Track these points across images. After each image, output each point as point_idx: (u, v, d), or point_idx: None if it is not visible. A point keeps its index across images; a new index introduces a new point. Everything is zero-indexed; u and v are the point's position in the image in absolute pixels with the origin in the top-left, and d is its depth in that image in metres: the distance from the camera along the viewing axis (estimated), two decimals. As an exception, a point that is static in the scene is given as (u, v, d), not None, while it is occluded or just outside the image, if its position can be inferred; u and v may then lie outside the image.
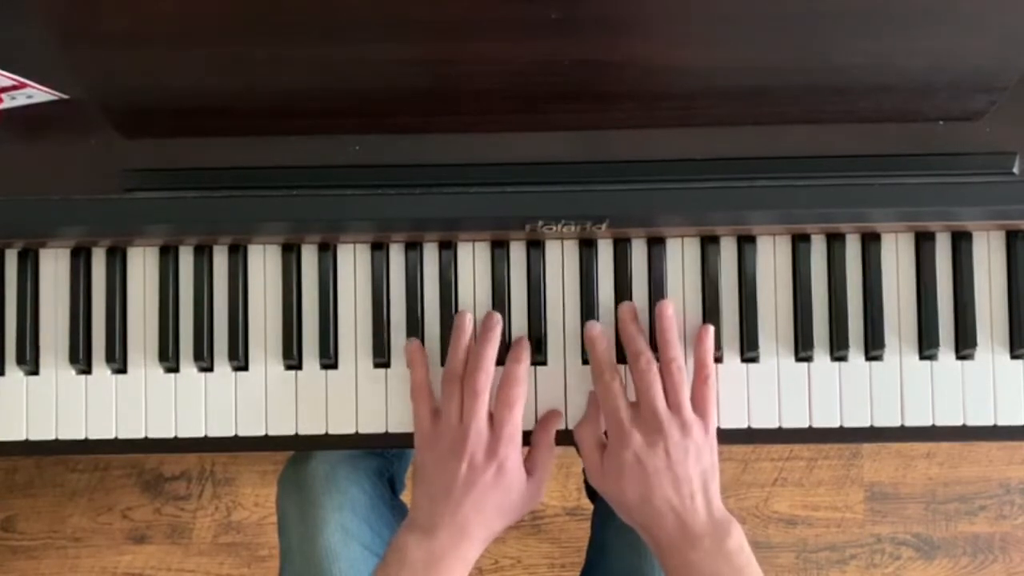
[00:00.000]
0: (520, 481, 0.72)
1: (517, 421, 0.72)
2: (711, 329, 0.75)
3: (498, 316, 0.75)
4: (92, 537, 1.42)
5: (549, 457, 0.75)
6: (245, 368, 0.78)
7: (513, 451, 0.72)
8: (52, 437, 0.78)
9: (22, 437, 0.78)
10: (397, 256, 0.78)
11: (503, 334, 0.76)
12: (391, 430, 0.77)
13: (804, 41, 0.65)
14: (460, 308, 0.77)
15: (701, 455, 0.70)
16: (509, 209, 0.70)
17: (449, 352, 0.75)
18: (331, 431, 0.77)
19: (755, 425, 0.77)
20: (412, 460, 0.74)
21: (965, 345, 0.76)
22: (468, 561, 0.71)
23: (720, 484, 0.71)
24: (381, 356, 0.77)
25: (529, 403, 0.77)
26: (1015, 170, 0.69)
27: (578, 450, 0.75)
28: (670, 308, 0.74)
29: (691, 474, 0.69)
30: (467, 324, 0.75)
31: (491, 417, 0.72)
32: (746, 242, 0.77)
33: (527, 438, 0.75)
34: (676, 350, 0.73)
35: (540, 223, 0.71)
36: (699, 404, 0.71)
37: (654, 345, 0.74)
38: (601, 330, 0.75)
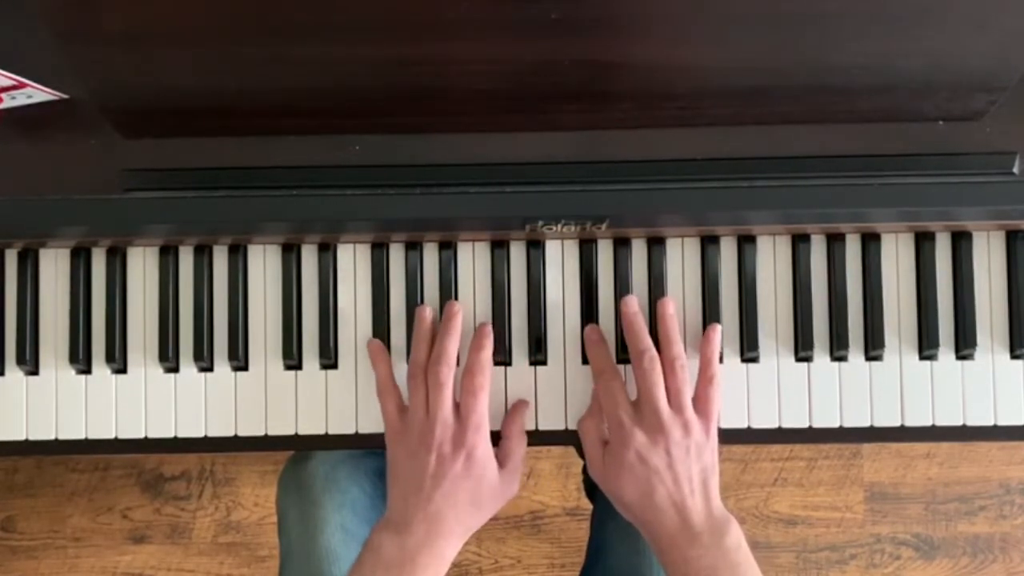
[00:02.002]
0: (491, 470, 0.72)
1: (483, 409, 0.72)
2: (719, 329, 0.75)
3: (458, 306, 0.75)
4: (92, 537, 1.42)
5: (520, 447, 0.75)
6: (245, 368, 0.78)
7: (481, 439, 0.71)
8: (52, 437, 0.78)
9: (22, 437, 0.78)
10: (397, 256, 0.78)
11: (505, 335, 0.76)
12: (391, 430, 0.77)
13: (804, 41, 0.65)
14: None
15: (702, 454, 0.70)
16: (509, 209, 0.70)
17: (411, 346, 0.75)
18: (331, 431, 0.77)
19: (755, 425, 0.77)
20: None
21: (965, 345, 0.76)
22: (444, 558, 0.70)
23: (720, 484, 0.71)
24: (381, 356, 0.77)
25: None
26: (1015, 170, 0.69)
27: (577, 449, 0.75)
28: (671, 306, 0.74)
29: (691, 472, 0.69)
30: (427, 317, 0.75)
31: (458, 408, 0.72)
32: (746, 242, 0.77)
33: (496, 439, 0.75)
34: (679, 347, 0.73)
35: (540, 223, 0.71)
36: (702, 404, 0.71)
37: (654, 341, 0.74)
38: (600, 334, 0.75)
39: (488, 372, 0.73)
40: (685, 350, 0.73)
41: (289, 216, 0.71)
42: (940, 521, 1.41)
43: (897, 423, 0.76)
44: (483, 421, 0.72)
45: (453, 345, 0.73)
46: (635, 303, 0.75)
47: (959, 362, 0.76)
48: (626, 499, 0.71)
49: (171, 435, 0.78)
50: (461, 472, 0.70)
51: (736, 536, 0.68)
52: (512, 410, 0.76)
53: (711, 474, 0.70)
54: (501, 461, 0.73)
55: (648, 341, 0.73)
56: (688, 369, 0.72)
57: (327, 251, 0.77)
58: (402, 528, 0.70)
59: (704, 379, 0.72)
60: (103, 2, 0.63)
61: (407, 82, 0.68)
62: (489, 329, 0.75)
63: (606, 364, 0.74)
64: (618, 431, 0.71)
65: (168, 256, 0.77)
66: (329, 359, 0.77)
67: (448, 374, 0.72)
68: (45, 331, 0.78)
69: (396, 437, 0.73)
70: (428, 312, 0.76)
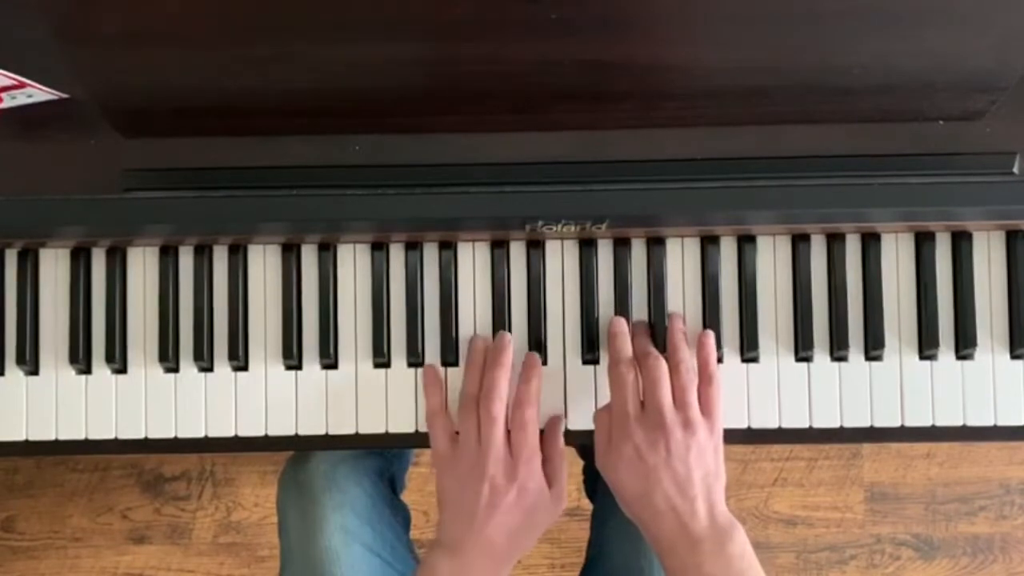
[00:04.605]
0: (543, 499, 0.73)
1: (534, 442, 0.73)
2: (711, 333, 0.75)
3: (509, 338, 0.76)
4: (92, 537, 1.42)
5: (563, 464, 0.76)
6: (245, 368, 0.78)
7: (533, 471, 0.72)
8: (52, 437, 0.78)
9: (22, 437, 0.78)
10: (397, 256, 0.78)
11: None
12: (391, 430, 0.77)
13: (804, 41, 0.65)
14: (460, 309, 0.77)
15: (704, 456, 0.70)
16: (509, 209, 0.70)
17: (464, 376, 0.76)
18: (331, 431, 0.77)
19: (755, 425, 0.77)
20: (435, 483, 0.75)
21: (965, 345, 0.76)
22: None
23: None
24: (381, 356, 0.77)
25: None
26: (1015, 170, 0.69)
27: (578, 449, 0.75)
28: (679, 320, 0.76)
29: (692, 475, 0.69)
30: (480, 347, 0.76)
31: (509, 438, 0.73)
32: (746, 242, 0.77)
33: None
34: (684, 353, 0.73)
35: (540, 223, 0.71)
36: (705, 406, 0.71)
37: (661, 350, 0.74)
38: (625, 326, 0.75)
39: (537, 404, 0.74)
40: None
41: (289, 216, 0.71)
42: (940, 521, 1.41)
43: (897, 423, 0.76)
44: (535, 453, 0.73)
45: (504, 378, 0.74)
46: (645, 326, 0.77)
47: (959, 362, 0.76)
48: (626, 495, 0.71)
49: (171, 435, 0.78)
50: (514, 502, 0.71)
51: (741, 543, 0.67)
52: (548, 428, 0.76)
53: (715, 479, 0.70)
54: (548, 481, 0.74)
55: (652, 348, 0.74)
56: (693, 373, 0.72)
57: (327, 251, 0.77)
58: (456, 552, 0.71)
59: (704, 381, 0.72)
60: (103, 2, 0.63)
61: (407, 82, 0.68)
62: (537, 360, 0.76)
63: (623, 355, 0.74)
64: (621, 424, 0.71)
65: (168, 256, 0.77)
66: (329, 359, 0.77)
67: (500, 408, 0.72)
68: (45, 331, 0.78)
69: (446, 465, 0.74)
70: (480, 343, 0.76)
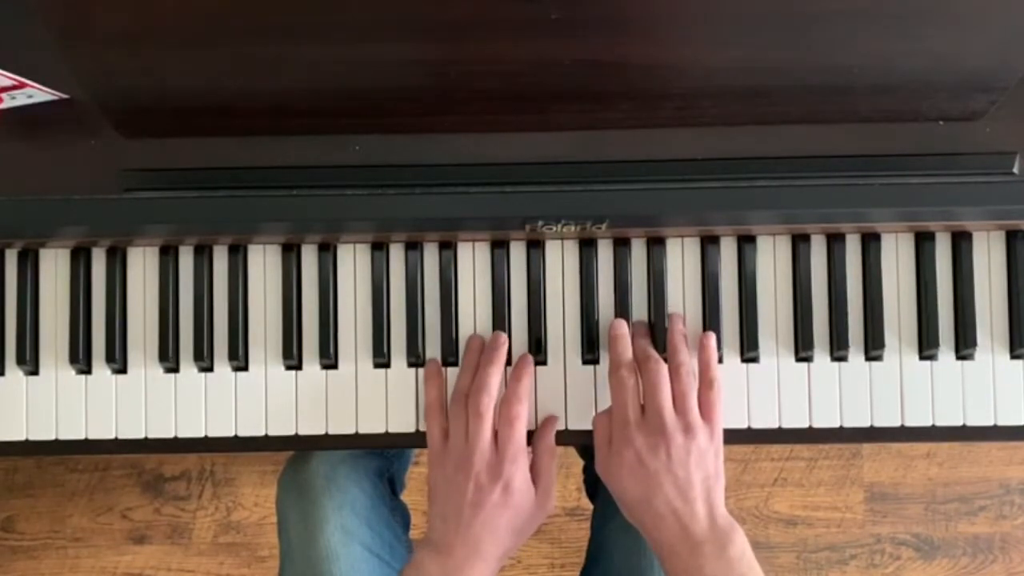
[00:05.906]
0: (528, 497, 0.73)
1: (520, 439, 0.72)
2: (713, 336, 0.75)
3: (504, 337, 0.76)
4: (92, 537, 1.42)
5: (551, 463, 0.75)
6: (245, 368, 0.78)
7: (518, 470, 0.72)
8: (52, 437, 0.78)
9: (22, 437, 0.78)
10: (397, 256, 0.78)
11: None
12: (391, 430, 0.77)
13: (804, 41, 0.65)
14: (460, 309, 0.77)
15: (704, 460, 0.70)
16: (509, 209, 0.70)
17: (459, 372, 0.76)
18: (331, 431, 0.77)
19: (755, 425, 0.77)
20: (427, 476, 0.75)
21: (965, 345, 0.76)
22: None
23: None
24: (381, 356, 0.77)
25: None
26: (1015, 170, 0.69)
27: (578, 449, 0.75)
28: (679, 321, 0.75)
29: (693, 479, 0.69)
30: (476, 346, 0.76)
31: (496, 436, 0.73)
32: (746, 242, 0.77)
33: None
34: (684, 355, 0.73)
35: (540, 223, 0.71)
36: (705, 410, 0.71)
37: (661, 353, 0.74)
38: (626, 328, 0.75)
39: (526, 402, 0.74)
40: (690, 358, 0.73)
41: (289, 216, 0.71)
42: (940, 521, 1.41)
43: (897, 423, 0.76)
44: (520, 451, 0.72)
45: (495, 375, 0.74)
46: (645, 326, 0.76)
47: (959, 362, 0.76)
48: (627, 499, 0.71)
49: (171, 435, 0.78)
50: (499, 501, 0.71)
51: (741, 546, 0.68)
52: (541, 426, 0.77)
53: (715, 482, 0.70)
54: (534, 479, 0.73)
55: (653, 351, 0.73)
56: (693, 376, 0.72)
57: (327, 251, 0.77)
58: (443, 549, 0.71)
59: (704, 384, 0.72)
60: (103, 2, 0.63)
61: (407, 82, 0.68)
62: (530, 359, 0.76)
63: (624, 359, 0.73)
64: (622, 429, 0.71)
65: (168, 256, 0.77)
66: (329, 359, 0.77)
67: (488, 404, 0.72)
68: (45, 331, 0.78)
69: (437, 460, 0.74)
70: (477, 341, 0.76)
